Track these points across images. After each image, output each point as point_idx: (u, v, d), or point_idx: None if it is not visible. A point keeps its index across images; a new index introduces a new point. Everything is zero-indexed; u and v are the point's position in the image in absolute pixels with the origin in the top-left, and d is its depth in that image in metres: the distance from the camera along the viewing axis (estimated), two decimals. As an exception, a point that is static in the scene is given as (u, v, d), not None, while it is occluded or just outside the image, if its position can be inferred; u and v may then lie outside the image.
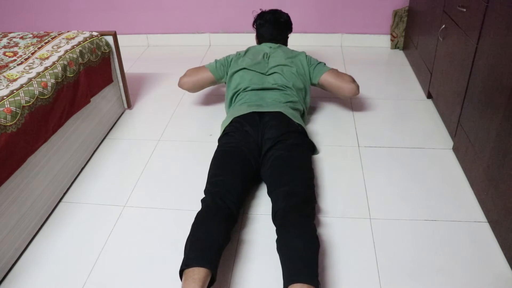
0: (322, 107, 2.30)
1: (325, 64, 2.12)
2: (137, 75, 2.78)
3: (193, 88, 2.23)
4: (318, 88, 2.38)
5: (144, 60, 3.04)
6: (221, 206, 1.41)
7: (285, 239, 1.30)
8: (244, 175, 1.56)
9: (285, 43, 2.28)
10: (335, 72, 2.09)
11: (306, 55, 2.12)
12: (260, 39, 2.27)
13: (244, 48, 2.20)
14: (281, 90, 1.94)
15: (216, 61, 2.18)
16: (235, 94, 1.99)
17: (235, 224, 1.46)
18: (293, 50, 2.16)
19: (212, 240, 1.29)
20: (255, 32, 2.30)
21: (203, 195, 1.51)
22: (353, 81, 2.08)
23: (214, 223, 1.34)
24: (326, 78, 2.07)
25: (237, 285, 1.34)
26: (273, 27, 2.21)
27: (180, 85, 2.22)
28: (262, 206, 1.64)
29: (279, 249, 1.29)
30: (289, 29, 2.29)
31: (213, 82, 2.19)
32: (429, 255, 1.41)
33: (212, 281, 1.24)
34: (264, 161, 1.63)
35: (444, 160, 1.86)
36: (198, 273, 1.18)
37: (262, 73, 2.01)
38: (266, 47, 2.14)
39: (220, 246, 1.30)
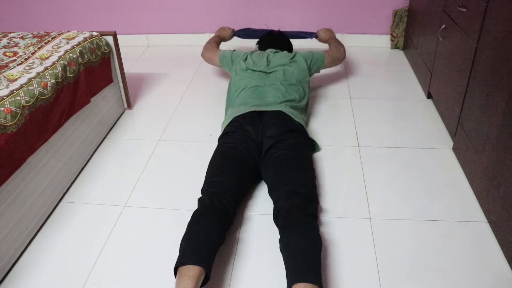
0: (322, 107, 2.30)
1: (315, 52, 2.28)
2: (137, 75, 2.78)
3: (208, 62, 2.49)
4: (318, 88, 2.38)
5: (144, 60, 3.04)
6: (218, 206, 1.41)
7: (288, 239, 1.30)
8: (242, 175, 1.56)
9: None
10: (329, 55, 2.33)
11: (302, 54, 2.21)
12: (261, 49, 2.40)
13: (244, 48, 2.24)
14: (281, 88, 1.94)
15: (232, 51, 2.30)
16: (236, 92, 1.99)
17: (231, 225, 1.46)
18: (289, 53, 2.24)
19: (207, 239, 1.29)
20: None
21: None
22: (340, 47, 2.43)
23: (209, 223, 1.35)
24: (327, 62, 2.31)
25: (236, 284, 1.34)
26: (274, 38, 2.42)
27: (201, 55, 2.54)
28: (261, 205, 1.64)
29: (282, 248, 1.29)
30: (288, 46, 2.42)
31: (218, 65, 2.39)
32: (429, 255, 1.41)
33: (206, 280, 1.24)
34: (265, 160, 1.63)
35: (444, 160, 1.86)
36: (192, 271, 1.18)
37: (263, 72, 2.03)
38: (267, 51, 2.24)
39: (215, 245, 1.30)
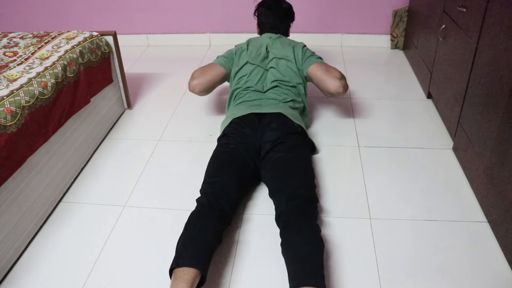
0: (322, 107, 2.30)
1: (320, 58, 2.02)
2: (137, 75, 2.78)
3: (206, 89, 2.04)
4: (318, 88, 2.37)
5: (144, 60, 3.04)
6: (215, 207, 1.40)
7: (290, 242, 1.29)
8: (241, 176, 1.56)
9: (286, 33, 2.22)
10: (324, 65, 1.96)
11: (304, 47, 2.06)
12: (261, 29, 2.21)
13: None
14: (280, 86, 1.91)
15: (221, 56, 2.10)
16: (236, 90, 1.96)
17: (229, 226, 1.46)
18: (292, 41, 2.10)
19: (204, 241, 1.29)
20: (256, 20, 2.23)
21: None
22: (341, 78, 1.90)
23: (206, 224, 1.34)
24: (313, 70, 1.94)
25: (237, 286, 1.34)
26: (273, 14, 2.15)
27: (192, 88, 2.03)
28: (260, 206, 1.64)
29: (284, 252, 1.28)
30: (291, 18, 2.22)
31: (224, 77, 2.05)
32: (429, 255, 1.41)
33: (201, 282, 1.23)
34: (264, 163, 1.62)
35: (444, 160, 1.86)
36: (188, 273, 1.17)
37: (264, 69, 1.97)
38: (266, 38, 2.09)
39: (211, 247, 1.29)
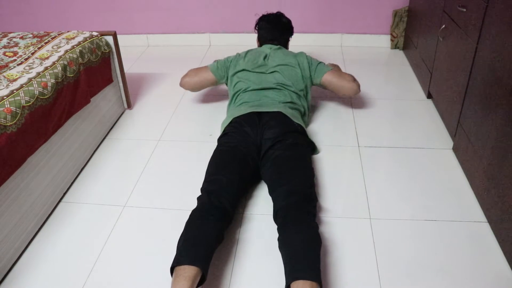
0: (322, 107, 2.30)
1: (324, 63, 2.13)
2: (137, 75, 2.78)
3: (194, 88, 2.27)
4: (318, 88, 2.37)
5: (144, 60, 3.04)
6: (216, 205, 1.41)
7: (287, 237, 1.30)
8: (242, 174, 1.56)
9: (285, 46, 2.26)
10: (336, 71, 2.11)
11: (306, 55, 2.11)
12: (260, 41, 2.26)
13: (244, 48, 2.20)
14: (281, 89, 1.94)
15: (217, 61, 2.19)
16: (236, 94, 1.99)
17: (230, 224, 1.46)
18: (292, 51, 2.16)
19: (205, 239, 1.29)
20: (256, 34, 2.29)
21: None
22: (354, 80, 2.11)
23: (208, 222, 1.35)
24: (328, 78, 2.08)
25: (236, 285, 1.34)
26: (273, 28, 2.22)
27: (182, 84, 2.26)
28: (261, 205, 1.64)
29: (281, 247, 1.30)
30: (290, 32, 2.29)
31: (214, 82, 2.21)
32: (429, 255, 1.41)
33: (202, 280, 1.24)
34: (264, 161, 1.63)
35: (444, 160, 1.86)
36: (188, 271, 1.18)
37: (262, 73, 2.00)
38: (266, 48, 2.13)
39: (212, 245, 1.30)
